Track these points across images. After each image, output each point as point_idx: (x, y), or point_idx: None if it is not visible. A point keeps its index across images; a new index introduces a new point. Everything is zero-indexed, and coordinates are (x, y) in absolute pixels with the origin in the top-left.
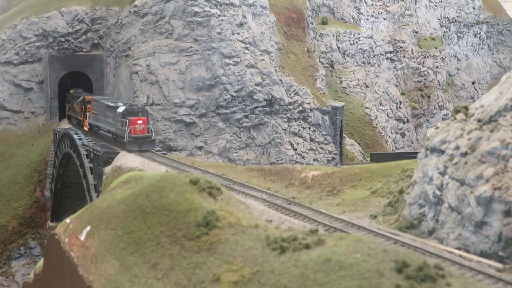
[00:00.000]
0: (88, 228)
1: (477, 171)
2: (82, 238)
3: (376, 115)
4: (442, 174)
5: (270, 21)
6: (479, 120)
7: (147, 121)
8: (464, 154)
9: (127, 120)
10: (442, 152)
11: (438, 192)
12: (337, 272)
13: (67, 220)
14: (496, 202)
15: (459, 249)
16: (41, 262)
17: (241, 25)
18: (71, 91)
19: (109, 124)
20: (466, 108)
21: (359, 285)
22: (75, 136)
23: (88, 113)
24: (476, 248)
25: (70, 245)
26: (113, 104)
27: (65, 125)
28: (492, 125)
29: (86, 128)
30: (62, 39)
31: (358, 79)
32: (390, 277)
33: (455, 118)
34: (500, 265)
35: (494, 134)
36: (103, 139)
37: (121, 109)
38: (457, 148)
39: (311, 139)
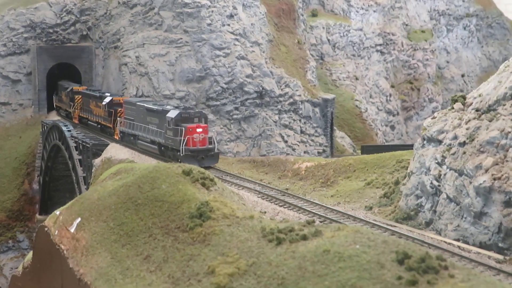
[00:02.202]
0: (79, 220)
1: (476, 161)
2: (72, 230)
3: (366, 108)
4: (440, 164)
5: (260, 13)
6: (477, 110)
7: (207, 129)
8: (463, 144)
9: (183, 129)
10: (440, 142)
11: (435, 183)
12: (336, 264)
13: (57, 212)
14: (495, 193)
15: (458, 240)
16: (30, 255)
17: (231, 16)
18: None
19: (154, 133)
20: (464, 97)
21: (359, 276)
22: (64, 128)
23: (119, 118)
24: (475, 239)
25: (60, 237)
26: (160, 108)
27: (53, 117)
28: (491, 114)
29: (116, 137)
30: (50, 30)
31: (348, 72)
32: (391, 269)
33: (452, 108)
34: (500, 256)
35: (493, 124)
36: (144, 153)
37: (173, 113)
38: (455, 138)
39: (301, 131)
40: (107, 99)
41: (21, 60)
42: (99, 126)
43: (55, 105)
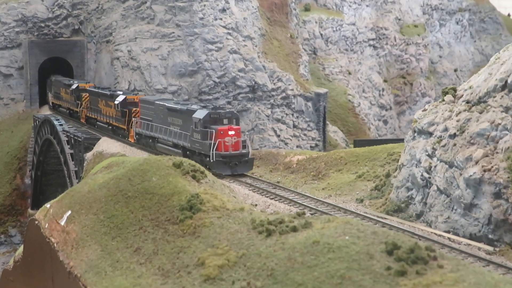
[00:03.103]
0: (69, 212)
1: (466, 153)
2: (62, 223)
3: (359, 102)
4: (430, 156)
5: (253, 7)
6: (467, 102)
7: (240, 132)
8: (453, 136)
9: (213, 131)
10: (430, 134)
11: (426, 175)
12: (326, 255)
13: (47, 205)
14: (485, 184)
15: (448, 232)
16: (21, 249)
17: (223, 10)
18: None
19: (177, 135)
20: (454, 89)
21: (348, 267)
22: (56, 122)
23: (134, 119)
24: (465, 231)
25: (50, 230)
26: (184, 107)
27: (45, 111)
28: (481, 106)
29: (131, 140)
30: (42, 25)
31: (341, 66)
32: (381, 259)
33: (443, 100)
34: (490, 248)
35: (483, 115)
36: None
37: (200, 114)
38: (446, 130)
39: (294, 126)
40: (120, 98)
41: (12, 55)
42: (110, 127)
43: (52, 102)
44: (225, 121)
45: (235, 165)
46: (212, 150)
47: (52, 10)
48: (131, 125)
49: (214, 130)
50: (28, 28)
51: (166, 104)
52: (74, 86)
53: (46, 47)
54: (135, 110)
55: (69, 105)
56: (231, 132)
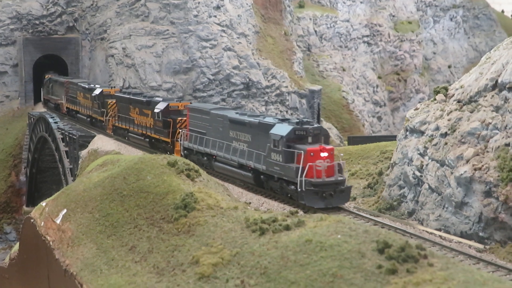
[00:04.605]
0: (64, 211)
1: (457, 151)
2: (58, 221)
3: (353, 99)
4: (422, 155)
5: (247, 4)
6: (459, 101)
7: (333, 153)
8: (444, 135)
9: (301, 152)
10: (422, 133)
11: (418, 173)
12: (318, 253)
13: (43, 204)
14: (476, 183)
15: (440, 230)
16: (16, 246)
17: (218, 7)
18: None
19: (245, 154)
20: (446, 88)
21: (340, 265)
22: (50, 120)
23: (180, 130)
24: (456, 229)
25: (46, 228)
26: (255, 120)
27: (40, 108)
28: (472, 105)
29: (177, 155)
30: (37, 22)
31: (335, 63)
32: (372, 258)
33: (434, 99)
34: (480, 246)
35: (474, 115)
36: (230, 179)
37: (282, 130)
38: (437, 128)
39: None
40: (161, 106)
41: (7, 52)
42: (147, 139)
43: (66, 106)
44: (314, 138)
45: (330, 196)
46: (301, 177)
47: (47, 8)
48: (179, 137)
49: (302, 151)
50: (23, 25)
51: (229, 115)
52: (97, 91)
53: (40, 45)
54: (181, 119)
55: (90, 112)
56: (323, 154)
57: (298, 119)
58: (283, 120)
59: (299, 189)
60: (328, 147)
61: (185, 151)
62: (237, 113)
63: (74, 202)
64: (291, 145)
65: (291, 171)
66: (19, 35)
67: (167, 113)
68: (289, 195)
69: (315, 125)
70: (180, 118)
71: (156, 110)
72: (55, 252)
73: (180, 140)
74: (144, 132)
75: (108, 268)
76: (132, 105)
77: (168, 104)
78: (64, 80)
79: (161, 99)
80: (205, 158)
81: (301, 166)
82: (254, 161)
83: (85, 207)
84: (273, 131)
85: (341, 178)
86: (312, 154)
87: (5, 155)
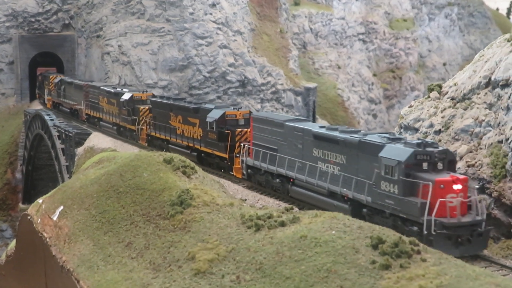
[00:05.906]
0: (61, 208)
1: (451, 148)
2: (55, 218)
3: (349, 96)
4: None
5: (242, 1)
6: (452, 98)
7: (467, 184)
8: (438, 132)
9: (428, 184)
10: (416, 130)
11: None
12: (312, 249)
13: (39, 200)
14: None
15: None
16: (13, 243)
17: (213, 5)
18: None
19: (339, 180)
20: (440, 86)
21: (335, 261)
22: (47, 117)
23: (242, 144)
24: None
25: (42, 225)
26: (351, 138)
27: (36, 106)
28: (465, 103)
29: (238, 175)
30: (32, 19)
31: (331, 61)
32: (366, 253)
33: (428, 97)
34: None
35: (468, 112)
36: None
37: (397, 153)
38: (431, 126)
39: None
40: (214, 114)
41: (3, 49)
42: (194, 153)
43: (86, 113)
44: (439, 165)
45: (468, 241)
46: (430, 216)
47: (42, 5)
48: (240, 153)
49: (430, 183)
50: (19, 23)
51: (312, 129)
52: (126, 96)
53: (36, 42)
54: (241, 131)
55: (117, 119)
56: (456, 187)
57: (419, 139)
58: (394, 139)
59: (425, 232)
60: (462, 177)
61: (248, 170)
62: (322, 127)
63: (71, 199)
64: (411, 173)
65: (414, 207)
66: (15, 33)
67: (223, 123)
68: (427, 242)
69: (440, 148)
70: (240, 130)
71: (208, 120)
72: (52, 248)
73: (243, 157)
74: (190, 144)
75: (104, 264)
76: (173, 112)
77: (225, 113)
78: (83, 83)
79: (212, 106)
80: (278, 180)
81: (428, 201)
82: (354, 189)
83: (81, 204)
84: (384, 153)
85: (479, 218)
86: (442, 186)
87: (1, 153)
